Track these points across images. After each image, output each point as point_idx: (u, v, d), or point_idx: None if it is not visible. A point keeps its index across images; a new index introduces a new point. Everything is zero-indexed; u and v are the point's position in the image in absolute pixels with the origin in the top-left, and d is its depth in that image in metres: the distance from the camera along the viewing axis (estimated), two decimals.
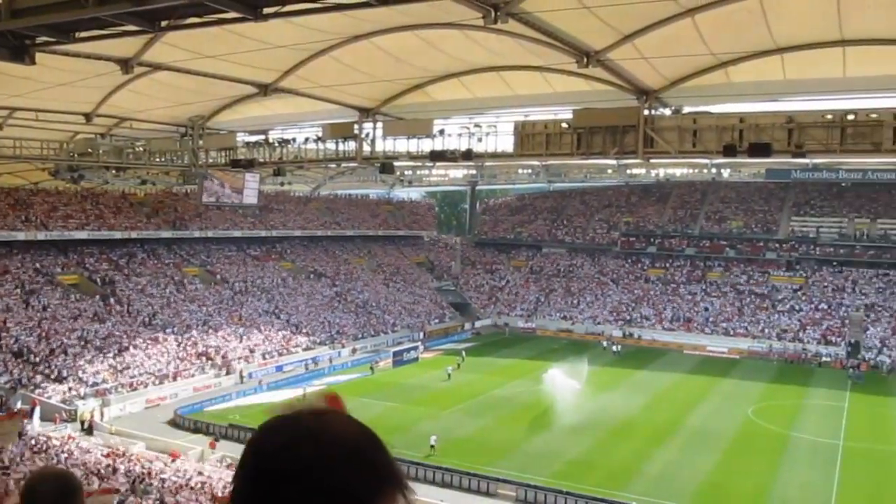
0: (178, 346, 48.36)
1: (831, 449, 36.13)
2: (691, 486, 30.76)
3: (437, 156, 30.10)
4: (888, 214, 70.73)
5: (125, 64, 23.64)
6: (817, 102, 25.96)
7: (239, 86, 29.18)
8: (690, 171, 76.72)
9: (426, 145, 30.50)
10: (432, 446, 33.86)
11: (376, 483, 1.28)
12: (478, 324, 71.82)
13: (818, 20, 20.22)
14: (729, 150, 24.17)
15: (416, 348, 57.58)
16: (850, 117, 22.57)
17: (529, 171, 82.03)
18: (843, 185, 74.45)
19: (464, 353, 56.23)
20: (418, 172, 75.75)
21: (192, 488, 26.48)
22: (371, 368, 51.94)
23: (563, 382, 42.41)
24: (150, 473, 27.99)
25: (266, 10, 15.17)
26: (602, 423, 39.16)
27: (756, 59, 22.89)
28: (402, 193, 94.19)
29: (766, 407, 44.25)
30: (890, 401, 46.67)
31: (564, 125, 27.27)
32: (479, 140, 29.81)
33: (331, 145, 33.76)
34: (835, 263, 69.36)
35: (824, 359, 58.22)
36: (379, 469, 1.30)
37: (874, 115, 22.55)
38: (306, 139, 35.33)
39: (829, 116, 23.01)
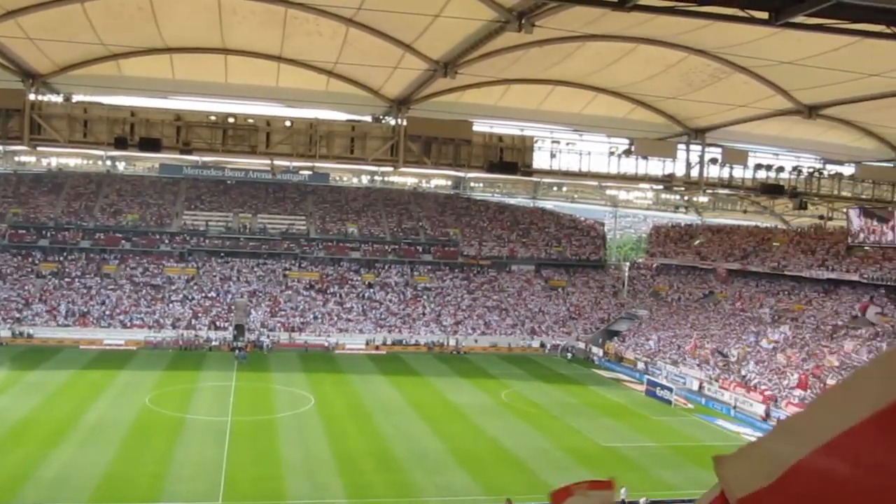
0: None
1: (221, 425, 39.26)
2: (90, 482, 30.10)
3: None
4: (266, 210, 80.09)
5: None
6: (203, 103, 28.09)
7: None
8: (85, 161, 74.38)
9: None
10: None
11: None
12: None
13: (204, 27, 22.06)
14: (120, 143, 24.66)
15: None
16: (231, 120, 25.13)
17: None
18: (230, 182, 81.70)
19: None
20: None
21: None
22: None
23: None
24: None
25: None
26: None
27: (147, 55, 23.77)
28: None
29: (162, 394, 45.75)
30: (269, 375, 52.86)
31: None
32: None
33: None
34: (222, 254, 75.23)
35: (214, 343, 62.67)
36: None
37: (251, 120, 25.55)
38: None
39: (213, 118, 25.23)
